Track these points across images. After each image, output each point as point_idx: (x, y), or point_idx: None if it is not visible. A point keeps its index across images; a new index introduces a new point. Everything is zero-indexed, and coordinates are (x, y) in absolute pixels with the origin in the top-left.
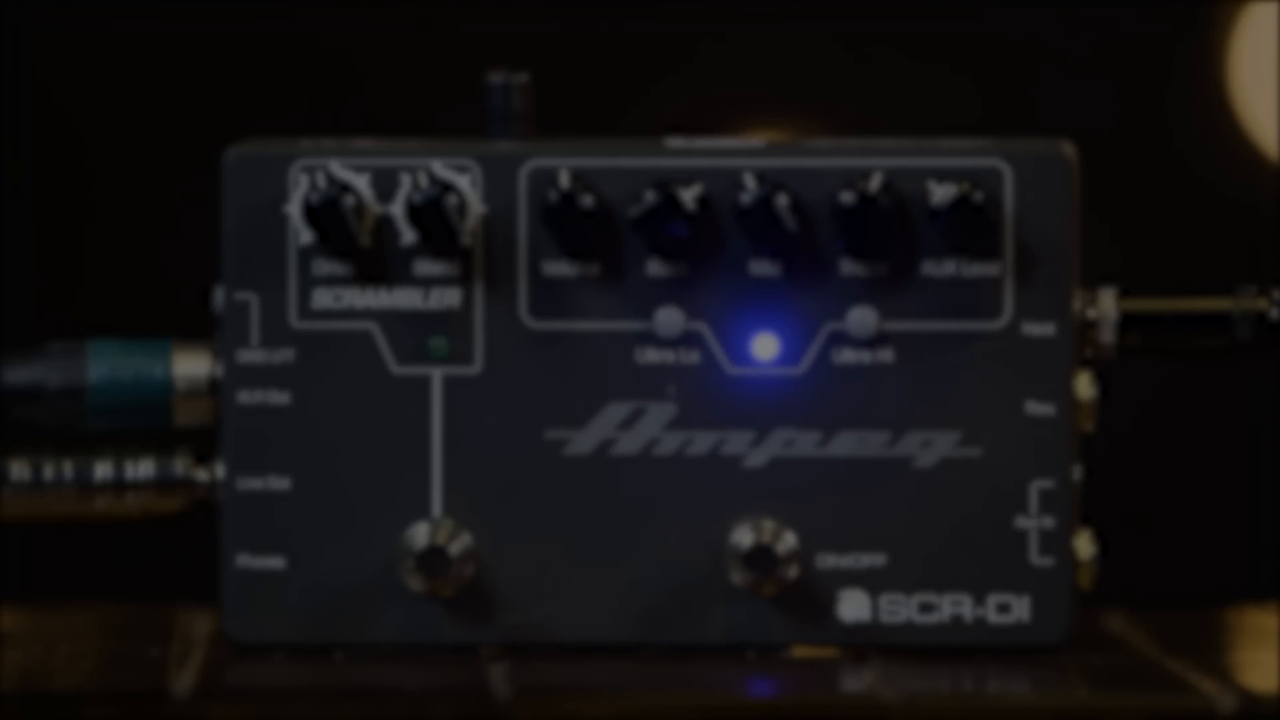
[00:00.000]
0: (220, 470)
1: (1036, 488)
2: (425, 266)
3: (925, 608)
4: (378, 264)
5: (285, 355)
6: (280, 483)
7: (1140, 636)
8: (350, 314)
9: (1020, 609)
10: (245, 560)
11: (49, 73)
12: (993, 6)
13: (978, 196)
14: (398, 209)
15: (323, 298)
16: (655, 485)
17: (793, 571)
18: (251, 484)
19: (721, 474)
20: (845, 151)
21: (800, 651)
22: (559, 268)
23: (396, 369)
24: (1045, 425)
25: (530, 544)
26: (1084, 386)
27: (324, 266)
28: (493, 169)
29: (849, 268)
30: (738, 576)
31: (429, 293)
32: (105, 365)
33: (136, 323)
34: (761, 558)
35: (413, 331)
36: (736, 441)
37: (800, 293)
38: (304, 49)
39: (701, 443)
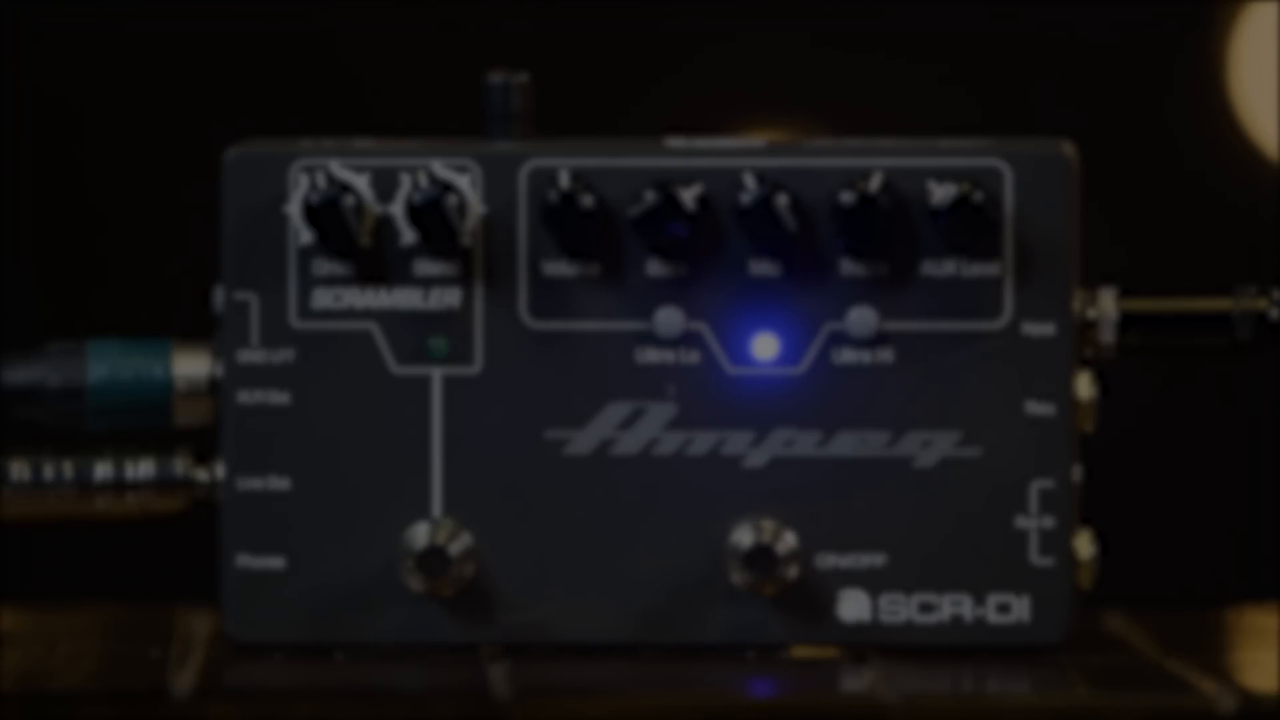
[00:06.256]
0: (220, 470)
1: (1036, 488)
2: (425, 266)
3: (925, 608)
4: (378, 264)
5: (285, 355)
6: (280, 483)
7: (1140, 636)
8: (350, 314)
9: (1020, 609)
10: (245, 560)
11: (49, 72)
12: (992, 7)
13: (978, 196)
14: (398, 209)
15: (323, 298)
16: (655, 485)
17: (793, 571)
18: (251, 484)
19: (721, 474)
20: (845, 151)
21: (800, 651)
22: (559, 268)
23: (396, 369)
24: (1045, 425)
25: (530, 544)
26: (1084, 386)
27: (324, 266)
28: (493, 169)
29: (849, 268)
30: (738, 576)
31: (429, 293)
32: (105, 365)
33: (136, 323)
34: (761, 558)
35: (413, 331)
36: (736, 441)
37: (800, 293)
38: (304, 49)
39: (701, 443)
